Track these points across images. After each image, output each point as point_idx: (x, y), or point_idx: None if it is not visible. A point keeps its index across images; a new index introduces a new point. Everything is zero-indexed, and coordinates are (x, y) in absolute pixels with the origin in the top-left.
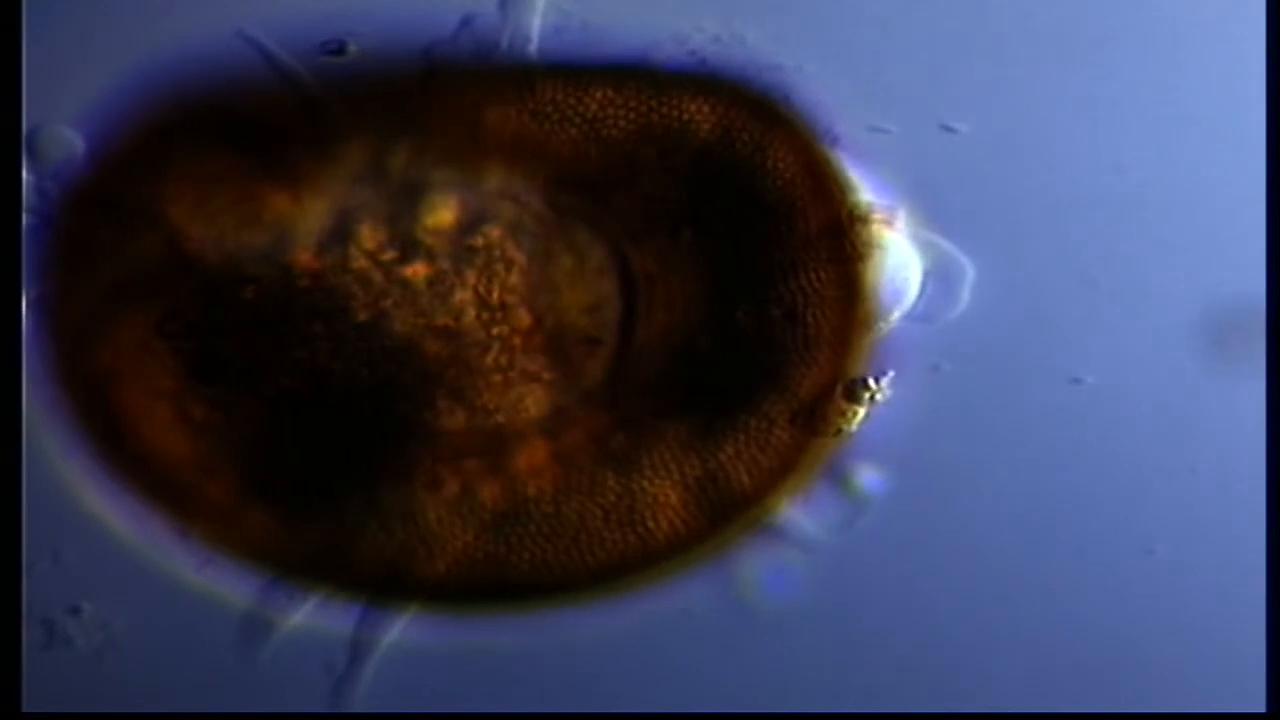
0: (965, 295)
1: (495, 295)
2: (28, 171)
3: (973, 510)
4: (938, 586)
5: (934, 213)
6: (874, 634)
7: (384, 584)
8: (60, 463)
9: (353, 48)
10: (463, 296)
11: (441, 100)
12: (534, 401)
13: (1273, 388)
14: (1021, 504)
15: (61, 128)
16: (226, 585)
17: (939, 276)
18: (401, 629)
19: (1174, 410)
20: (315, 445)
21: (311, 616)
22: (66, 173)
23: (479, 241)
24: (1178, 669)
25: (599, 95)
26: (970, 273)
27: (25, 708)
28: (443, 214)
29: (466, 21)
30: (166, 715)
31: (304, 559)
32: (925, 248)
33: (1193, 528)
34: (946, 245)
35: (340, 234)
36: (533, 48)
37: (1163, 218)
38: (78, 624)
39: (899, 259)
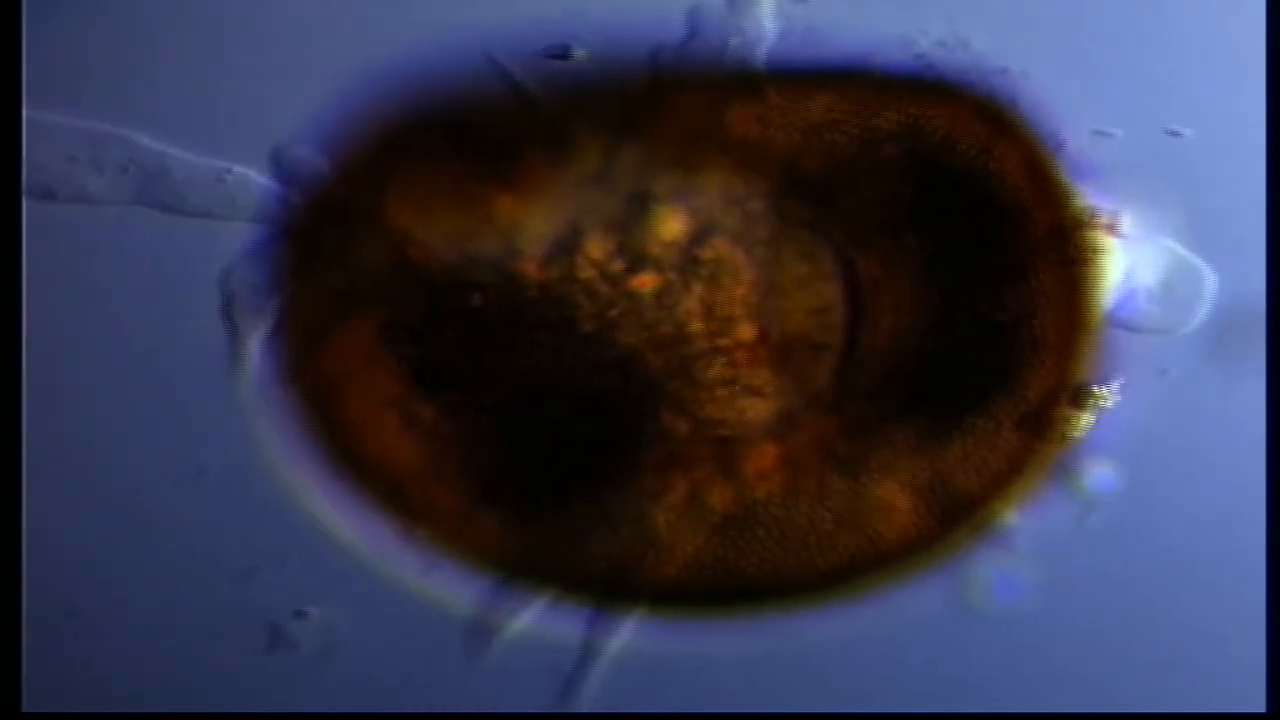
0: (1204, 303)
1: (721, 307)
2: (273, 181)
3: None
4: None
5: (1160, 218)
6: (1101, 635)
7: (611, 588)
8: (288, 468)
9: (578, 53)
10: (689, 308)
11: (669, 107)
12: (758, 410)
13: (1273, 388)
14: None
15: (299, 145)
16: (452, 589)
17: (1172, 283)
18: (629, 632)
19: None
20: (541, 453)
21: (538, 620)
22: (300, 182)
23: (707, 253)
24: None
25: (824, 100)
26: (1211, 280)
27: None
28: (671, 224)
29: (692, 26)
30: (180, 715)
31: (531, 562)
32: (1156, 253)
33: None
34: (1182, 252)
35: (567, 244)
36: (759, 52)
37: None
38: (302, 628)
39: (1129, 264)
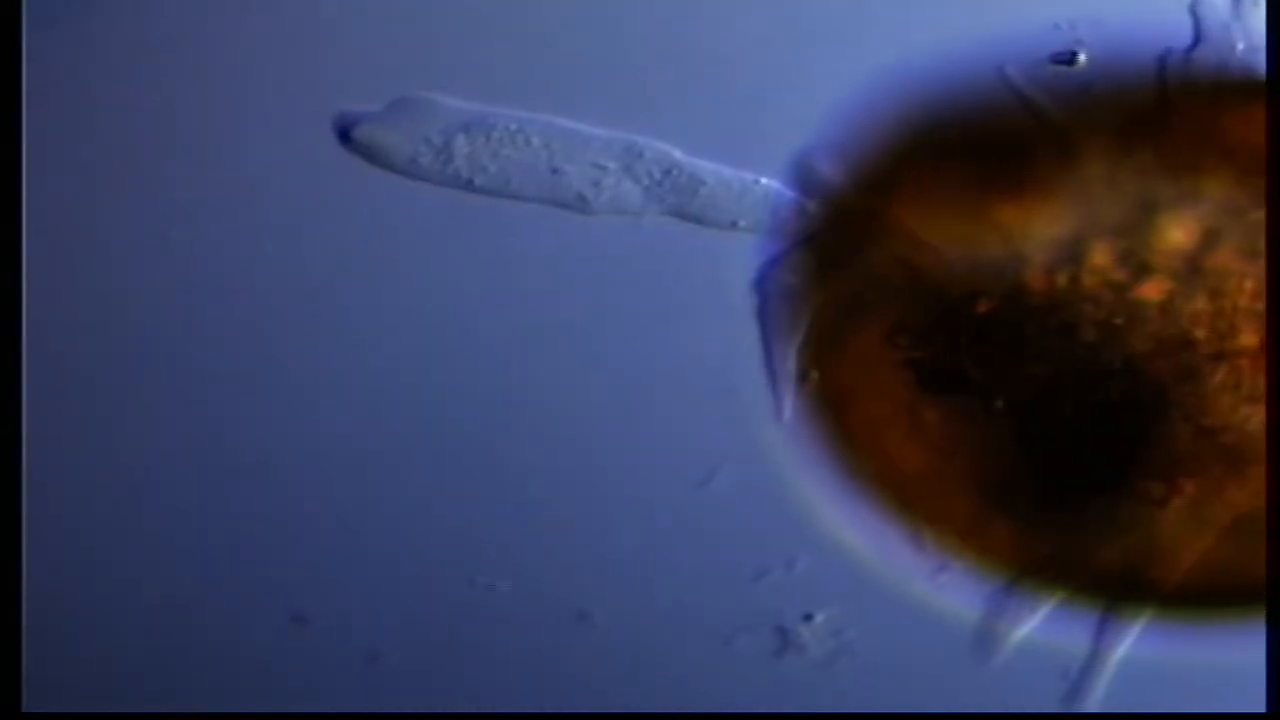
0: None
1: (1225, 314)
2: (792, 190)
3: None
4: None
5: None
6: None
7: (1119, 592)
8: (798, 474)
9: (1083, 57)
10: (1193, 315)
11: (1173, 112)
12: (1262, 416)
13: (1273, 387)
14: None
15: (816, 153)
16: (960, 593)
17: None
18: (1137, 637)
19: None
20: (1048, 458)
21: (1046, 624)
22: (818, 190)
23: (1211, 261)
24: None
25: None
26: None
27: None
28: (1176, 233)
29: (1198, 30)
30: (179, 715)
31: (1039, 567)
32: None
33: None
34: None
35: (1072, 251)
36: (1263, 56)
37: None
38: (810, 632)
39: None
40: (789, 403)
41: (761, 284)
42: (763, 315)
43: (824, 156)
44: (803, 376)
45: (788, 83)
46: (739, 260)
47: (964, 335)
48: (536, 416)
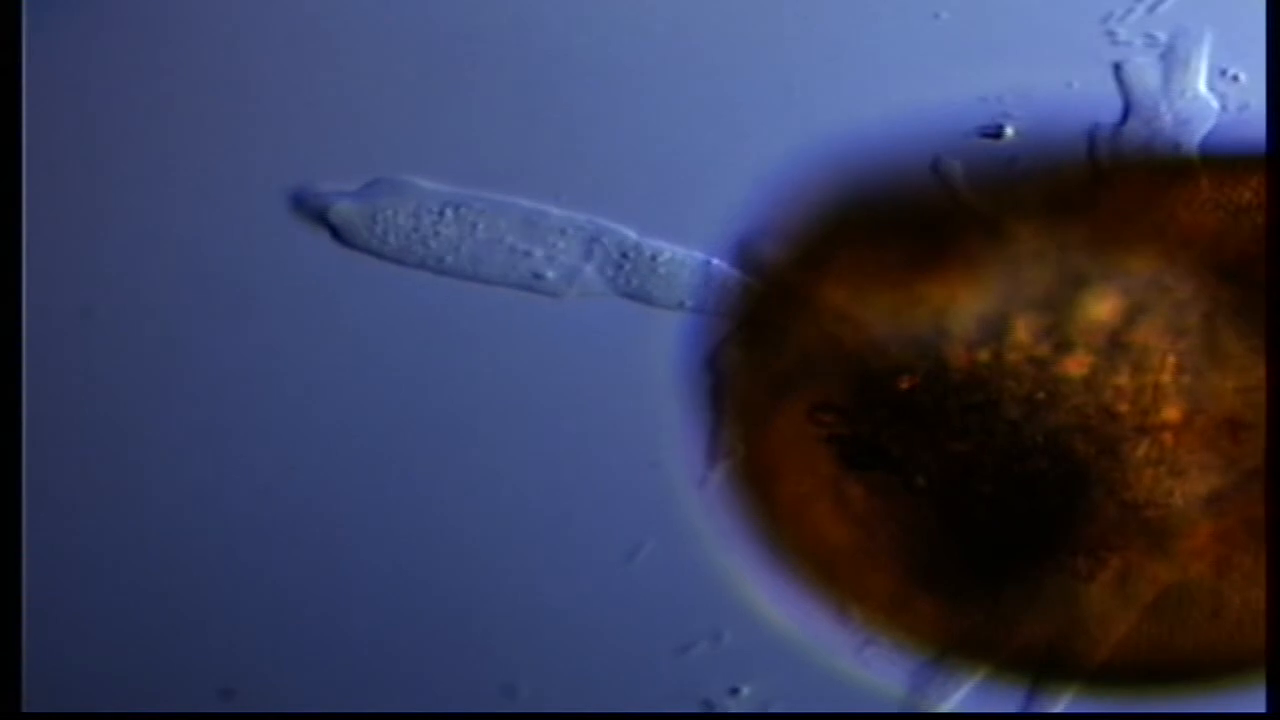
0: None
1: (1148, 390)
2: (729, 268)
3: None
4: None
5: None
6: None
7: (1044, 668)
8: (724, 548)
9: (1010, 130)
10: (1115, 392)
11: (1101, 186)
12: (1186, 490)
13: (1273, 387)
14: None
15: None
16: (885, 668)
17: None
18: (1063, 712)
19: None
20: (972, 534)
21: (971, 699)
22: (753, 268)
23: (1135, 336)
24: None
25: (1257, 181)
26: None
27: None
28: (1100, 308)
29: (1126, 106)
30: (180, 716)
31: (963, 642)
32: None
33: None
34: None
35: (995, 327)
36: (1192, 132)
37: None
38: (737, 705)
39: None
40: (716, 478)
41: (691, 360)
42: (690, 391)
43: (753, 234)
44: (730, 452)
45: (713, 160)
46: (667, 336)
47: (886, 412)
48: (461, 492)
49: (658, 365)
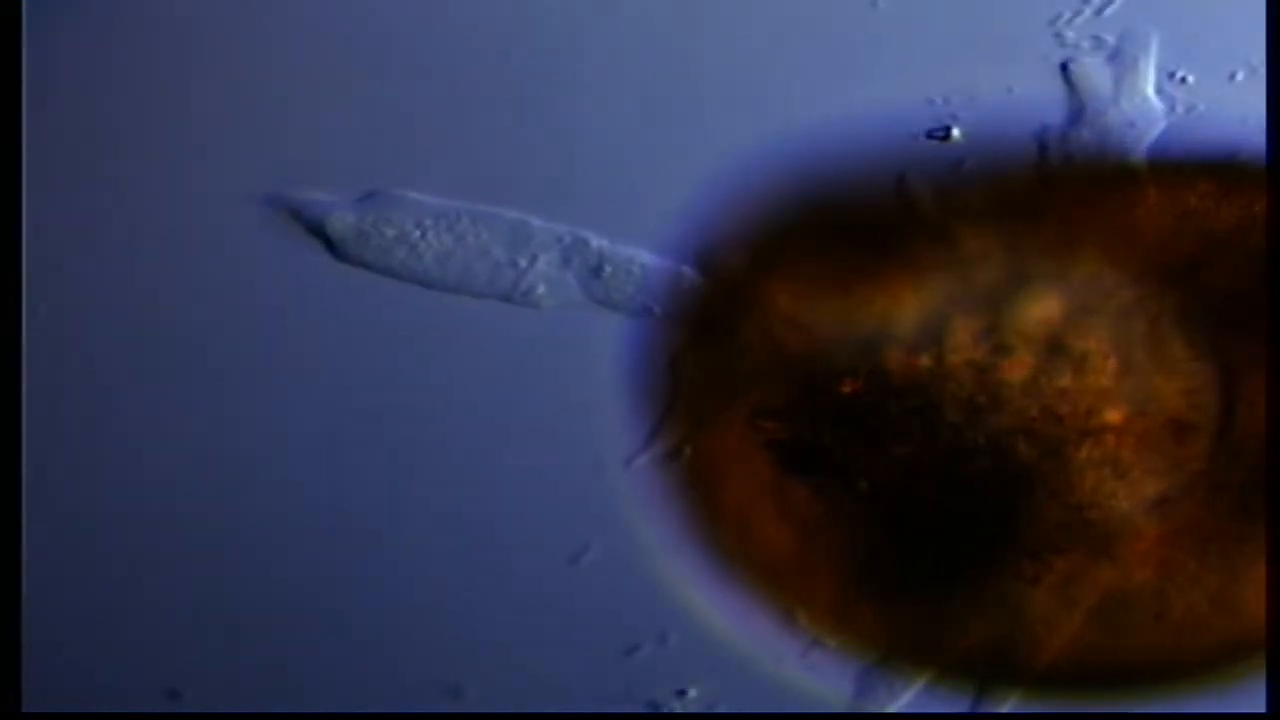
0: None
1: (1089, 392)
2: (670, 268)
3: None
4: None
5: None
6: None
7: (987, 672)
8: (668, 551)
9: (957, 133)
10: (1057, 394)
11: (1046, 189)
12: (1130, 493)
13: (1273, 387)
14: None
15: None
16: (828, 672)
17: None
18: (1006, 716)
19: None
20: (914, 537)
21: (914, 704)
22: (695, 269)
23: (1074, 338)
24: None
25: (1203, 185)
26: None
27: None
28: (1039, 310)
29: (1073, 109)
30: (180, 715)
31: (906, 646)
32: None
33: None
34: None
35: (936, 330)
36: (1139, 136)
37: None
38: (683, 707)
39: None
40: (661, 479)
41: (635, 361)
42: (635, 392)
43: (699, 236)
44: (675, 454)
45: (659, 162)
46: (612, 337)
47: (826, 416)
48: (404, 493)
49: (601, 367)
